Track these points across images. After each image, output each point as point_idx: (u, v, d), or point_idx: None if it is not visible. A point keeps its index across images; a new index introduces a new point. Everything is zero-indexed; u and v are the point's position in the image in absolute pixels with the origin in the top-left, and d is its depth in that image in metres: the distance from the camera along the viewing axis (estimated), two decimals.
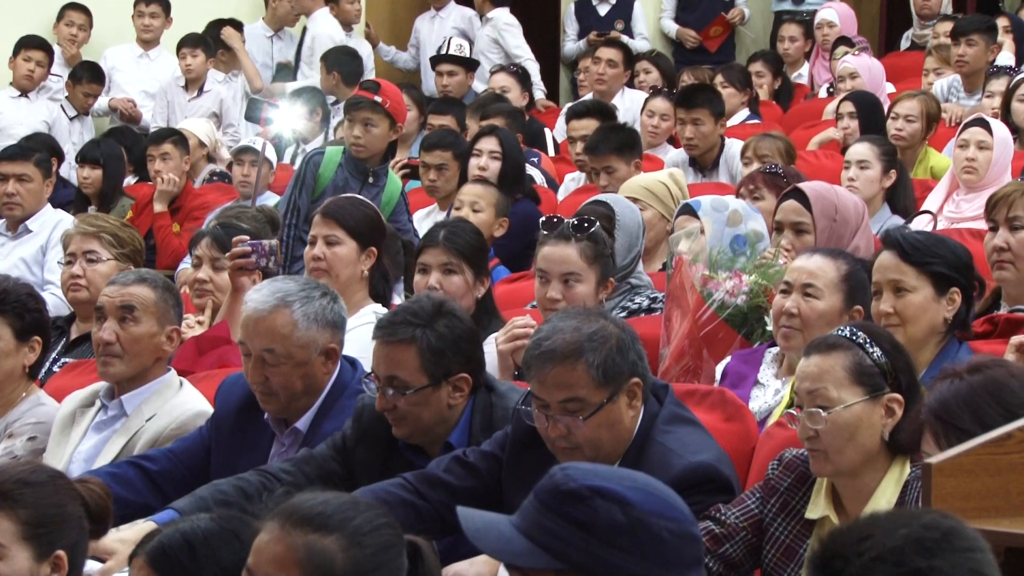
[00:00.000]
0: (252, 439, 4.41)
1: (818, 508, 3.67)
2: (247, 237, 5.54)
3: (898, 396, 3.62)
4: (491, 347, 4.78)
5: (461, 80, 10.68)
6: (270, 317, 4.29)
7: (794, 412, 3.66)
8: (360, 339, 5.12)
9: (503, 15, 11.62)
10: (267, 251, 5.46)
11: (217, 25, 11.23)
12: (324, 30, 11.35)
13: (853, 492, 3.63)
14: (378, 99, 7.19)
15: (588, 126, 8.40)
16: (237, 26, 11.27)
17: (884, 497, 3.58)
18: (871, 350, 3.62)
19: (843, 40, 10.53)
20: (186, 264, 7.58)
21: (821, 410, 3.57)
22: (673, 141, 9.18)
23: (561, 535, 2.55)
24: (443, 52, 10.89)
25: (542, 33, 11.95)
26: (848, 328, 3.69)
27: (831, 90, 10.06)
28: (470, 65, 10.83)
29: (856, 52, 9.75)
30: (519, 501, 2.67)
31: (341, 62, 10.62)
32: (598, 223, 4.99)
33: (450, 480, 3.88)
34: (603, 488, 2.55)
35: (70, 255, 5.92)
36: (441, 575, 2.84)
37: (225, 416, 4.47)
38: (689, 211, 5.51)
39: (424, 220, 7.82)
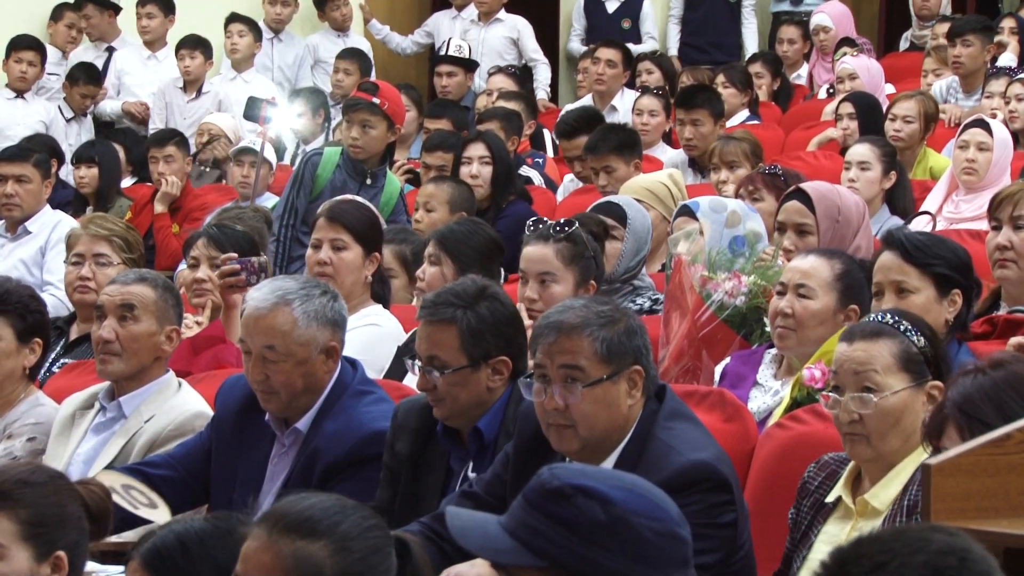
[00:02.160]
0: (252, 440, 4.41)
1: (835, 492, 3.68)
2: (236, 255, 5.53)
3: (940, 384, 3.62)
4: None
5: (460, 81, 10.68)
6: (270, 315, 4.29)
7: (832, 395, 3.64)
8: (358, 339, 5.13)
9: (517, 18, 11.64)
10: (256, 268, 5.44)
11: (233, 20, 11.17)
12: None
13: (877, 474, 3.64)
14: (376, 101, 7.20)
15: (580, 144, 8.28)
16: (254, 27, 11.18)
17: (898, 479, 3.59)
18: (915, 338, 3.63)
19: (846, 41, 10.52)
20: (183, 266, 7.59)
21: (870, 394, 3.58)
22: (671, 141, 9.18)
23: (544, 533, 2.57)
24: (442, 53, 10.90)
25: (542, 34, 11.93)
26: (888, 315, 3.68)
27: (831, 91, 10.07)
28: (469, 66, 10.83)
29: (855, 52, 9.75)
30: None
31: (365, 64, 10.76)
32: (578, 224, 5.00)
33: None
34: (586, 486, 2.56)
35: (77, 255, 5.90)
36: (431, 573, 2.84)
37: (225, 418, 4.47)
38: (687, 212, 5.52)
39: None
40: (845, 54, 9.81)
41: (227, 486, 4.38)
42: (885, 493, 3.59)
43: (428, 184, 7.13)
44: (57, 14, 11.31)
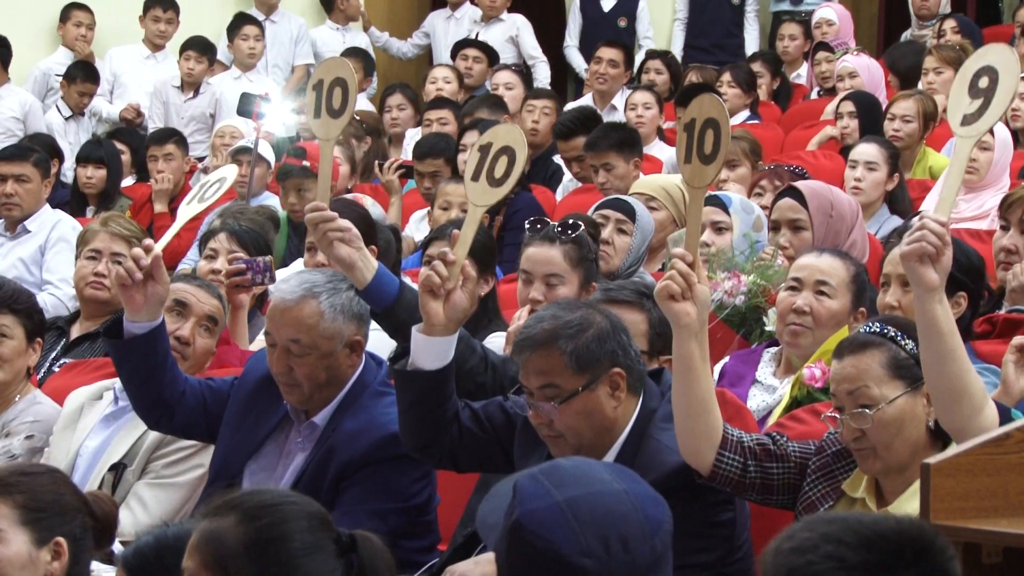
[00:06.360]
0: (257, 415, 4.41)
1: (858, 488, 3.64)
2: (242, 255, 5.53)
3: None
4: (492, 344, 4.78)
5: (483, 69, 10.71)
6: (297, 307, 4.28)
7: (835, 415, 3.62)
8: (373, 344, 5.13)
9: (517, 16, 11.65)
10: (262, 267, 5.46)
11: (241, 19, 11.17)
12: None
13: (897, 485, 3.60)
14: (306, 163, 7.17)
15: (578, 145, 8.27)
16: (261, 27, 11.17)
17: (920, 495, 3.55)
18: (904, 343, 3.58)
19: (823, 45, 10.52)
20: (185, 264, 7.58)
21: (865, 409, 3.54)
22: (666, 139, 9.18)
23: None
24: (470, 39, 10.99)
25: (545, 34, 11.93)
26: (875, 324, 3.64)
27: (821, 92, 10.12)
28: (493, 58, 10.84)
29: (856, 52, 9.77)
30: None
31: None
32: (583, 226, 5.00)
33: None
34: (517, 488, 2.52)
35: (94, 251, 5.86)
36: (389, 570, 2.79)
37: (246, 384, 4.48)
38: (719, 204, 5.53)
39: (420, 222, 7.81)
40: (846, 52, 9.82)
41: (229, 453, 4.39)
42: (910, 506, 3.51)
43: (460, 184, 7.03)
44: (65, 14, 11.29)
